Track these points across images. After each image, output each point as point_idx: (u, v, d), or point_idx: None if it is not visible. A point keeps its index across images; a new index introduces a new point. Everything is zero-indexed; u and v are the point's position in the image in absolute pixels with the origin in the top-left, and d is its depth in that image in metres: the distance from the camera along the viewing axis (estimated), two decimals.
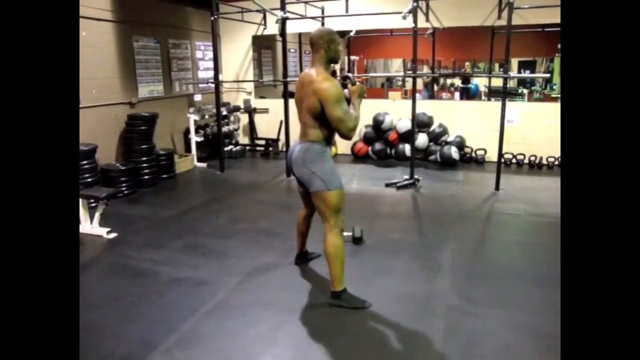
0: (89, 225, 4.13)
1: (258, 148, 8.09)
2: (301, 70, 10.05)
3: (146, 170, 5.74)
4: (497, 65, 10.26)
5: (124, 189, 5.33)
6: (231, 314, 2.78)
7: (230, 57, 8.05)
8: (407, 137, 6.69)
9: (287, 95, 6.18)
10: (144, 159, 5.72)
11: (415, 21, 5.41)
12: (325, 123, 2.69)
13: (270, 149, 7.92)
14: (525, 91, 10.83)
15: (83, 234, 4.07)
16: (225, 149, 7.29)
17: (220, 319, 2.73)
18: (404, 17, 5.43)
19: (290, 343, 2.51)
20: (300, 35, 9.65)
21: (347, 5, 6.65)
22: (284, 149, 6.50)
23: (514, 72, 9.78)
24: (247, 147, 8.11)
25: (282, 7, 5.92)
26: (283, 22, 5.96)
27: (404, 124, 6.88)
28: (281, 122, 7.16)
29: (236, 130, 8.10)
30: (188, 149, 7.15)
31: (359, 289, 2.96)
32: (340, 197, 2.73)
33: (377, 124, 7.14)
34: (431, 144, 6.98)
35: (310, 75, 2.70)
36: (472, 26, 6.82)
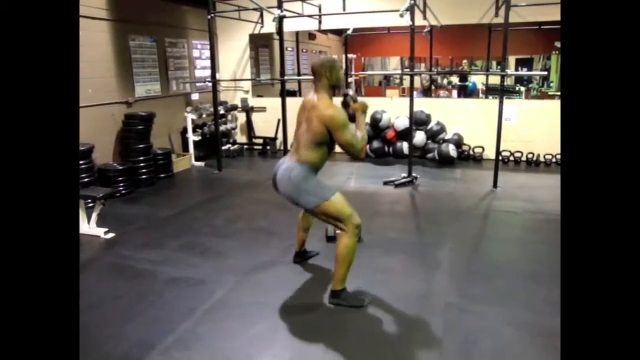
0: (87, 226, 4.11)
1: (256, 147, 8.08)
2: (298, 69, 10.06)
3: (143, 170, 5.72)
4: (494, 63, 10.28)
5: (121, 188, 5.31)
6: (230, 314, 2.78)
7: (228, 56, 8.03)
8: (405, 135, 6.68)
9: (284, 93, 6.17)
10: (141, 158, 5.70)
11: (412, 19, 5.40)
12: (321, 148, 2.75)
13: (268, 147, 7.91)
14: (523, 89, 10.85)
15: (80, 234, 4.06)
16: (223, 148, 7.28)
17: (219, 319, 2.72)
18: (401, 15, 5.41)
19: (289, 343, 2.51)
20: (297, 33, 9.64)
21: (344, 3, 6.64)
22: (282, 148, 6.49)
23: (511, 70, 9.80)
24: (245, 146, 8.10)
25: (279, 6, 5.91)
26: (280, 20, 5.94)
27: (402, 122, 6.87)
28: (279, 120, 7.15)
29: (234, 129, 8.09)
30: (186, 148, 7.14)
31: (357, 288, 2.96)
32: (340, 201, 2.72)
33: (374, 122, 7.13)
34: (429, 141, 6.98)
35: (313, 101, 2.75)
36: (470, 24, 6.81)
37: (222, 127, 7.33)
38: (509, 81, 10.41)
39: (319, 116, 2.67)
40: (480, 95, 10.49)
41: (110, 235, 4.09)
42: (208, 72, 7.21)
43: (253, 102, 8.05)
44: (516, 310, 2.76)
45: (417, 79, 7.68)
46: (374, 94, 12.49)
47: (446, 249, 3.70)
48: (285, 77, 6.18)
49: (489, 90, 9.61)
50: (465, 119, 7.02)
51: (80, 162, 4.83)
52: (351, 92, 2.99)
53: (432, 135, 6.94)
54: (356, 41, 11.11)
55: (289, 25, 6.82)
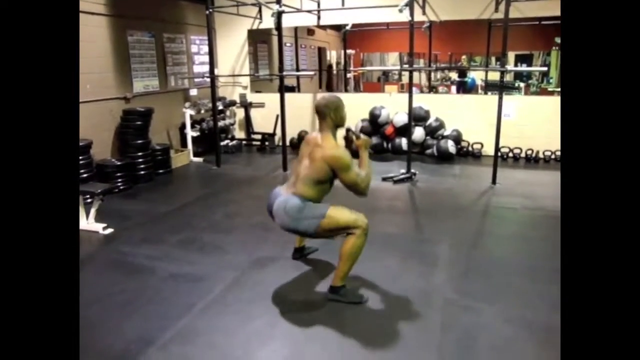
0: (85, 221, 4.10)
1: (254, 143, 8.07)
2: (297, 64, 10.03)
3: (142, 166, 5.71)
4: (493, 59, 10.27)
5: (119, 184, 5.30)
6: (228, 310, 2.78)
7: (226, 51, 8.01)
8: (404, 131, 6.67)
9: (283, 89, 6.15)
10: (139, 154, 5.68)
11: (411, 14, 5.39)
12: (322, 185, 2.76)
13: (267, 143, 7.89)
14: (522, 85, 10.84)
15: (79, 230, 4.05)
16: (222, 143, 7.26)
17: (217, 315, 2.72)
18: (401, 11, 5.40)
19: (287, 339, 2.51)
20: (296, 29, 9.60)
21: None
22: (280, 144, 6.48)
23: (510, 66, 9.79)
24: (244, 142, 8.09)
25: (278, 1, 5.88)
26: (279, 15, 5.92)
27: (401, 118, 6.86)
28: (277, 116, 7.12)
29: (232, 124, 8.07)
30: (184, 143, 7.12)
31: (355, 284, 2.96)
32: (338, 212, 2.69)
33: (373, 118, 7.12)
34: (428, 137, 6.97)
35: (317, 139, 2.79)
36: (469, 19, 6.80)
37: (221, 123, 7.31)
38: (508, 77, 10.40)
39: (324, 156, 2.69)
40: (480, 91, 10.48)
41: (109, 231, 4.08)
42: (206, 68, 7.19)
43: (252, 97, 8.03)
44: (515, 307, 2.77)
45: (416, 77, 7.66)
46: (372, 89, 12.47)
47: (445, 245, 3.70)
48: (284, 73, 6.15)
49: (488, 87, 9.61)
50: (465, 115, 7.01)
51: (79, 157, 4.82)
52: (353, 128, 3.03)
53: (431, 132, 6.93)
54: (355, 37, 11.09)
55: (288, 21, 6.79)
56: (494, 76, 8.92)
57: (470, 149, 7.00)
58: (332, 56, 13.34)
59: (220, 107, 7.43)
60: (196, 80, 7.47)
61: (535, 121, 6.59)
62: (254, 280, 3.18)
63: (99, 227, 4.08)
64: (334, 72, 13.10)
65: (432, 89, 10.69)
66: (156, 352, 2.38)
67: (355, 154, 2.82)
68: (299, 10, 6.71)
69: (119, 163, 5.40)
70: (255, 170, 6.59)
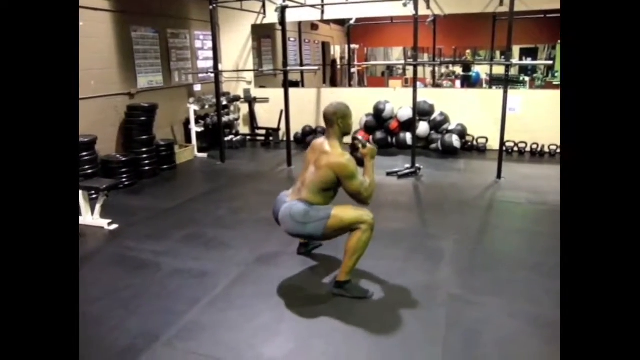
0: (90, 217, 4.12)
1: (258, 138, 8.07)
2: (301, 59, 10.01)
3: (146, 161, 5.73)
4: (498, 53, 10.19)
5: (124, 180, 5.31)
6: (233, 305, 2.78)
7: (230, 47, 7.99)
8: (408, 125, 6.65)
9: (287, 84, 6.14)
10: (144, 149, 5.70)
11: (416, 8, 5.35)
12: (327, 193, 2.79)
13: (271, 138, 7.89)
14: (527, 79, 10.78)
15: (84, 225, 4.08)
16: (226, 139, 7.27)
17: (222, 310, 2.73)
18: (405, 5, 5.37)
19: (292, 334, 2.52)
20: (300, 23, 9.57)
21: None
22: (285, 139, 6.48)
23: (515, 60, 9.73)
24: (248, 137, 8.09)
25: None
26: (282, 10, 5.90)
27: (405, 113, 6.84)
28: (281, 111, 7.11)
29: (236, 120, 8.07)
30: (188, 139, 7.13)
31: (361, 279, 2.96)
32: (342, 210, 2.71)
33: (377, 112, 7.11)
34: (432, 132, 6.94)
35: (324, 146, 2.80)
36: (474, 13, 6.75)
37: (225, 118, 7.31)
38: (513, 71, 10.34)
39: (330, 164, 2.71)
40: (484, 85, 10.43)
41: (114, 226, 4.10)
42: (210, 63, 7.18)
43: (256, 92, 8.02)
44: (519, 302, 2.76)
45: (420, 72, 7.62)
46: (376, 84, 12.44)
47: (450, 240, 3.69)
48: (288, 68, 6.14)
49: (493, 81, 9.55)
50: (469, 110, 6.98)
51: (84, 153, 4.83)
52: (360, 137, 3.04)
53: (436, 126, 6.91)
54: (359, 31, 11.05)
55: (292, 16, 6.77)
56: (499, 70, 8.86)
57: (474, 143, 6.97)
58: (336, 51, 13.30)
59: (225, 103, 7.43)
60: (200, 75, 7.47)
61: (541, 115, 6.54)
62: (259, 275, 3.18)
63: (104, 222, 4.10)
64: (338, 67, 13.07)
65: (435, 85, 10.64)
66: (161, 348, 2.39)
67: (360, 161, 2.85)
68: (302, 5, 6.68)
69: (123, 159, 5.42)
70: (260, 166, 6.59)
